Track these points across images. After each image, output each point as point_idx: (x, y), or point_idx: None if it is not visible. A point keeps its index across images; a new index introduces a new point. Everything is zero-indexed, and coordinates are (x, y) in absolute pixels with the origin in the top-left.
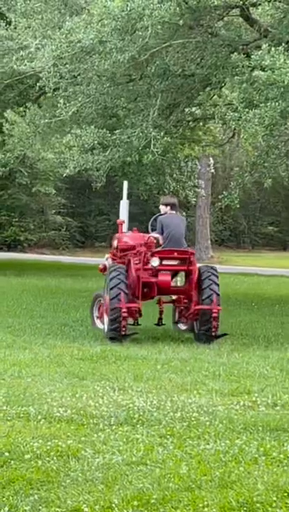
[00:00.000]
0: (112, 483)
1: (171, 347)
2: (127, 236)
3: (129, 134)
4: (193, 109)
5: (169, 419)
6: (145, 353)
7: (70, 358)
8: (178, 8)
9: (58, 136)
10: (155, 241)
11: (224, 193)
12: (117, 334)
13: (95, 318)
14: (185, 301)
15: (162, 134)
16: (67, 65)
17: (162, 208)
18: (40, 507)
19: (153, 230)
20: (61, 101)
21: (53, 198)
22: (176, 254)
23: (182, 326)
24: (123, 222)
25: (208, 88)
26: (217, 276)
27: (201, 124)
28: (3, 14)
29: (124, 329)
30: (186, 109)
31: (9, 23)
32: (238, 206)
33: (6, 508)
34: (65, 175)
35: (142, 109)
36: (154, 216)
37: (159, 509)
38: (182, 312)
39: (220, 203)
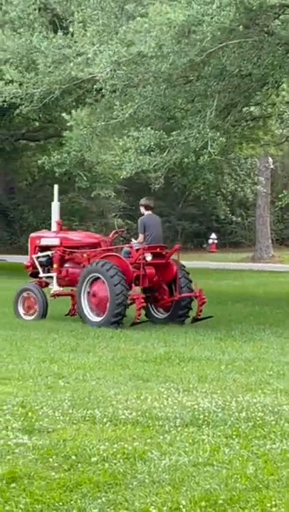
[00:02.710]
0: (179, 484)
1: (234, 347)
2: (72, 234)
3: (186, 135)
4: (252, 108)
5: (234, 420)
6: (209, 353)
7: (134, 360)
8: (237, 14)
9: (115, 138)
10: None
11: (284, 192)
12: (117, 324)
13: (20, 310)
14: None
15: (219, 134)
16: (124, 68)
17: (142, 210)
18: (108, 509)
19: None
20: (117, 103)
21: (113, 201)
22: (158, 249)
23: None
24: (61, 222)
25: (265, 87)
26: (184, 266)
27: (260, 123)
28: (62, 25)
29: (139, 317)
30: (245, 109)
31: (66, 33)
32: None
33: (75, 511)
34: (122, 177)
35: (200, 110)
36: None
37: (226, 510)
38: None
39: (280, 202)
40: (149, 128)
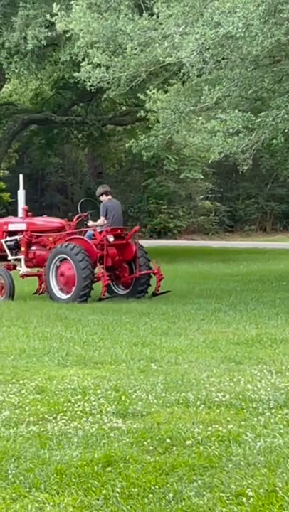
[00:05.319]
0: (275, 466)
1: None
2: (38, 220)
3: (274, 115)
4: None
5: None
6: None
7: (226, 342)
8: None
9: (203, 121)
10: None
11: None
12: (84, 298)
13: None
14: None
15: None
16: (209, 50)
17: (102, 198)
18: (205, 492)
19: (82, 211)
20: (206, 87)
21: (201, 184)
22: (119, 231)
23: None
24: (27, 208)
25: None
26: (143, 246)
27: None
28: (147, 6)
29: (104, 293)
30: None
31: (152, 15)
32: None
33: (171, 494)
34: (210, 161)
35: (288, 91)
36: (82, 199)
37: None
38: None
39: None
40: (237, 110)
